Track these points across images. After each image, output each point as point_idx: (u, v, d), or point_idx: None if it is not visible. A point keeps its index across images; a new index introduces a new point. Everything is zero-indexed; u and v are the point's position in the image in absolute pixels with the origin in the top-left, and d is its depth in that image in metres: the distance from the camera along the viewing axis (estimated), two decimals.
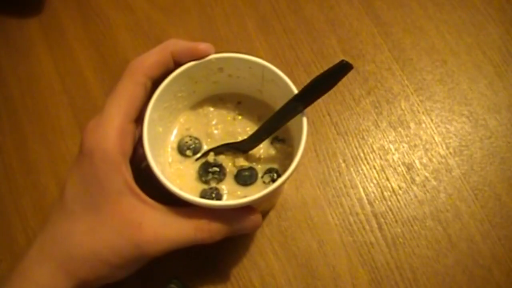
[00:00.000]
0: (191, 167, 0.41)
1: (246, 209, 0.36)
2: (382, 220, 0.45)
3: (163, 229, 0.34)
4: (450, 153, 0.49)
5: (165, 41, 0.37)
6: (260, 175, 0.40)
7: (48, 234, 0.35)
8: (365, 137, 0.49)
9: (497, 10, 0.54)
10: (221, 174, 0.40)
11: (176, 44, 0.37)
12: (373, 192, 0.47)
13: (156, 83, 0.37)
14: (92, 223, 0.34)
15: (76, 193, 0.34)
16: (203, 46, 0.37)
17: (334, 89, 0.51)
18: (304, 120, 0.36)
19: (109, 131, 0.34)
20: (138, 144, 0.37)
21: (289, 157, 0.40)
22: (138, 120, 0.36)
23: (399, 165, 0.48)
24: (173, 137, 0.42)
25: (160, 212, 0.35)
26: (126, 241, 0.33)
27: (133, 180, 0.35)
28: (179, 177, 0.40)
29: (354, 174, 0.47)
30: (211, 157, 0.40)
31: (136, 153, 0.37)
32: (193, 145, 0.41)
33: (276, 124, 0.38)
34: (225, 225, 0.35)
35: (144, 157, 0.35)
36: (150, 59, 0.36)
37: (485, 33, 0.54)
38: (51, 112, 0.51)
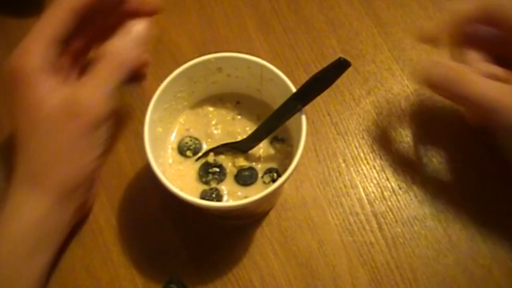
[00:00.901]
0: (191, 167, 0.41)
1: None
2: (382, 220, 0.45)
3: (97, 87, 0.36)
4: None
5: None
6: (260, 175, 0.40)
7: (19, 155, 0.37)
8: (365, 137, 0.49)
9: None
10: (221, 174, 0.40)
11: None
12: (373, 192, 0.47)
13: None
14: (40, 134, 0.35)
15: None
16: None
17: (334, 89, 0.51)
18: (303, 118, 0.36)
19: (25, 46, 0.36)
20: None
21: (289, 156, 0.40)
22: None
23: (399, 165, 0.48)
24: (173, 138, 0.42)
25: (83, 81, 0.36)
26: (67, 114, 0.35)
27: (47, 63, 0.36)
28: (180, 177, 0.40)
29: (354, 174, 0.47)
30: (211, 158, 0.40)
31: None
32: (193, 146, 0.41)
33: (275, 123, 0.38)
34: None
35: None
36: None
37: None
38: None
